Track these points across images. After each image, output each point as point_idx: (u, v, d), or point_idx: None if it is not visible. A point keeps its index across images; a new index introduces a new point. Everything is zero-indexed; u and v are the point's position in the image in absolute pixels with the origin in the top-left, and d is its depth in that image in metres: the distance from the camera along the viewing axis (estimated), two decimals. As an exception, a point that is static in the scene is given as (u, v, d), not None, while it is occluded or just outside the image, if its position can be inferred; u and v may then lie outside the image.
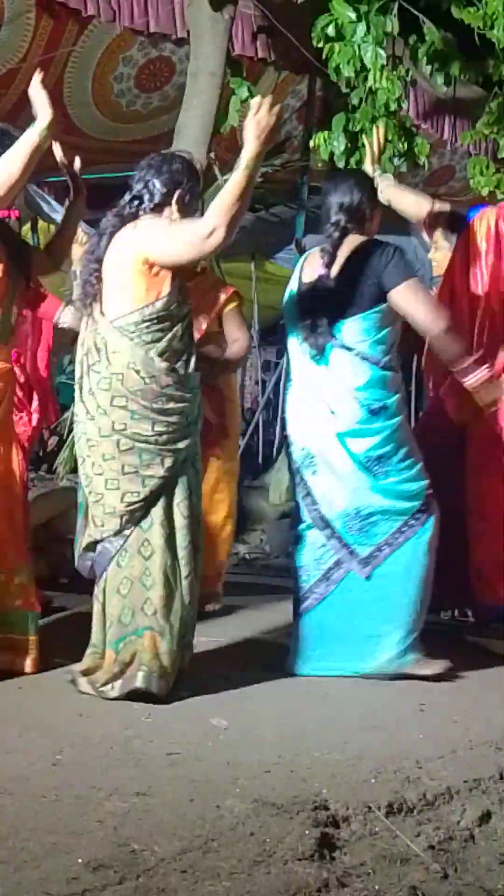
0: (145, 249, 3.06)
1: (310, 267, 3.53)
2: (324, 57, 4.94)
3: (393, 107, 4.96)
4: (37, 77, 3.03)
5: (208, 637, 2.87)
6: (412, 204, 4.01)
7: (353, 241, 3.43)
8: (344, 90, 5.11)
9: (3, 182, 2.92)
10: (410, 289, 3.38)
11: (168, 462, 3.09)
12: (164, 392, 3.08)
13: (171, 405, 3.10)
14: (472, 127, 5.82)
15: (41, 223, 6.64)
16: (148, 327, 3.07)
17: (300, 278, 3.56)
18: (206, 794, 2.34)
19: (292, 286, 3.60)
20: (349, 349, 3.37)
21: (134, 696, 3.02)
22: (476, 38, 5.17)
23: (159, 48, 5.65)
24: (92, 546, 3.14)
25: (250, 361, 4.55)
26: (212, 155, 5.03)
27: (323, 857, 2.07)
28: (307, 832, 2.14)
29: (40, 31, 5.41)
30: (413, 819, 2.31)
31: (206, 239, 2.97)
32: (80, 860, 1.98)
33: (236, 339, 4.34)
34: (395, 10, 4.93)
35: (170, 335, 3.10)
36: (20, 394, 3.85)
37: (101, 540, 3.11)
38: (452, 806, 2.38)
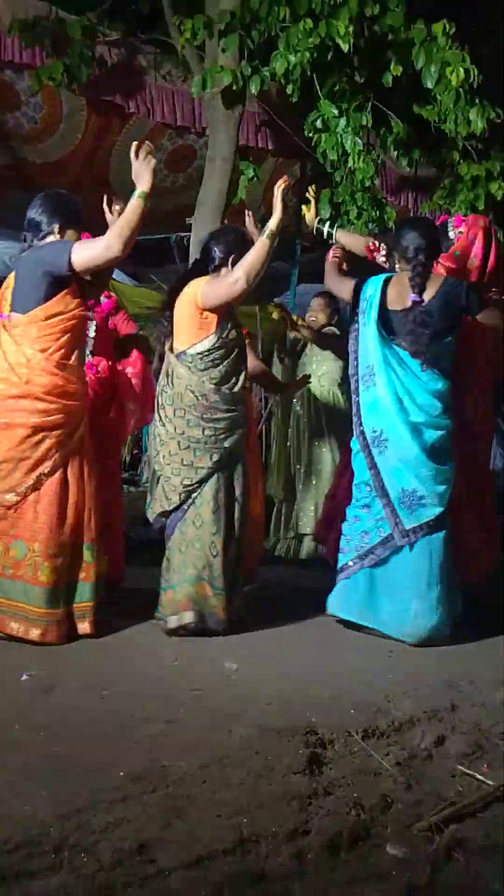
0: (196, 298, 3.23)
1: (395, 292, 3.41)
2: (313, 144, 4.94)
3: (367, 183, 4.94)
4: (141, 149, 2.95)
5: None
6: (357, 241, 3.96)
7: (435, 277, 3.39)
8: (329, 170, 5.10)
9: (124, 241, 2.92)
10: (490, 311, 3.46)
11: (215, 457, 3.26)
12: (213, 406, 3.24)
13: (219, 415, 3.27)
14: (429, 199, 5.80)
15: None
16: (201, 358, 3.24)
17: (384, 300, 3.41)
18: (221, 721, 2.34)
19: (374, 306, 3.41)
20: (434, 362, 3.34)
21: (186, 629, 3.19)
22: (433, 130, 5.17)
23: (184, 138, 5.66)
24: (164, 514, 3.30)
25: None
26: (225, 221, 5.03)
27: (313, 771, 2.07)
28: (300, 752, 2.14)
29: (91, 125, 5.42)
30: (383, 741, 2.31)
31: (233, 286, 3.17)
32: (121, 773, 1.99)
33: (259, 368, 4.40)
34: (369, 108, 4.92)
35: (219, 364, 3.27)
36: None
37: (171, 511, 3.27)
38: (414, 732, 2.37)
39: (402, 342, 3.35)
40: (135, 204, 2.94)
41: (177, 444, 3.25)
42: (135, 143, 3.00)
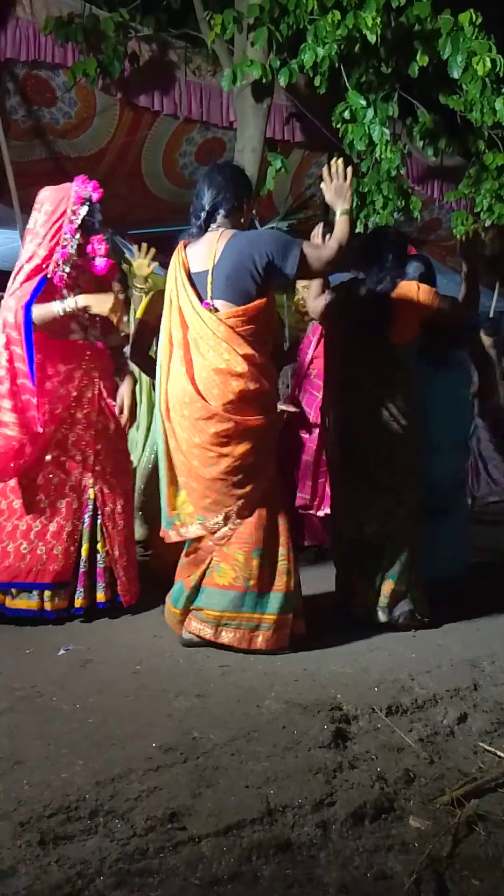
0: (428, 302, 3.26)
1: None
2: (340, 135, 4.87)
3: (394, 173, 4.87)
4: (344, 170, 3.04)
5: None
6: None
7: None
8: (355, 160, 5.03)
9: (344, 248, 2.88)
10: None
11: None
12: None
13: None
14: (455, 188, 5.71)
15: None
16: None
17: None
18: (249, 696, 2.35)
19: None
20: None
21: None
22: (459, 119, 5.08)
23: (213, 131, 5.62)
24: None
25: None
26: (253, 211, 4.99)
27: (338, 745, 2.08)
28: (326, 727, 2.14)
29: (123, 119, 5.39)
30: (406, 718, 2.30)
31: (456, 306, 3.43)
32: (154, 744, 2.01)
33: None
34: (395, 98, 4.84)
35: None
36: None
37: None
38: (437, 709, 2.37)
39: None
40: (344, 220, 2.92)
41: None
42: (332, 165, 3.02)
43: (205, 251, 2.79)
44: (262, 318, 2.78)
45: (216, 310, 2.74)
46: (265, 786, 1.85)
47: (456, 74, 4.56)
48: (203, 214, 2.83)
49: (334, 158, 3.02)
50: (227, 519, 2.75)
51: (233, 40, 4.90)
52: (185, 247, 2.86)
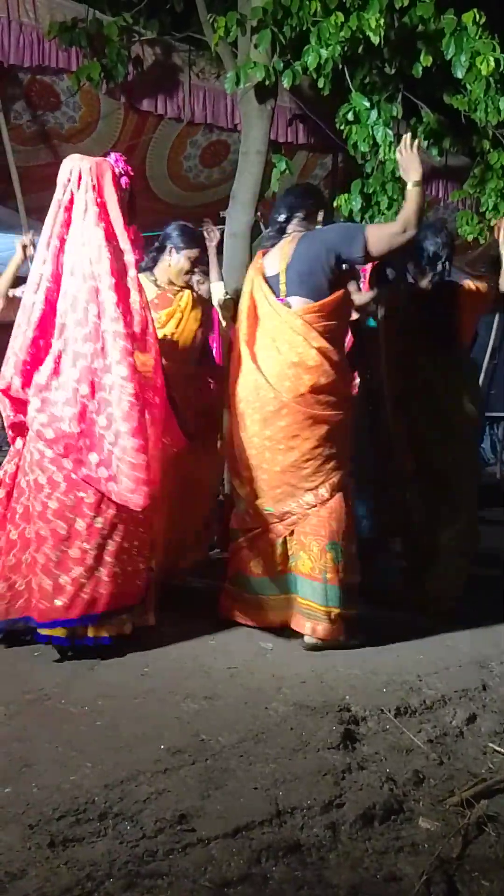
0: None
1: None
2: (344, 136, 4.88)
3: (398, 173, 4.88)
4: (412, 143, 2.91)
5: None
6: None
7: None
8: (360, 162, 5.03)
9: (417, 223, 2.81)
10: None
11: None
12: None
13: None
14: (460, 187, 5.70)
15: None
16: None
17: None
18: (257, 698, 2.35)
19: None
20: None
21: None
22: (463, 119, 5.08)
23: (218, 133, 5.63)
24: None
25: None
26: (258, 214, 5.00)
27: (346, 747, 2.08)
28: (334, 728, 2.14)
29: (128, 123, 5.42)
30: (415, 719, 2.30)
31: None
32: (162, 747, 2.01)
33: None
34: (399, 99, 4.84)
35: None
36: None
37: None
38: (446, 710, 2.37)
39: None
40: (416, 191, 2.85)
41: None
42: (406, 137, 2.94)
43: (278, 255, 2.97)
44: (339, 313, 2.89)
45: (289, 306, 2.88)
46: (274, 787, 1.85)
47: (460, 74, 4.56)
48: (281, 219, 3.01)
49: (405, 135, 2.95)
50: (292, 512, 2.86)
51: (236, 43, 4.91)
52: (262, 255, 3.05)
